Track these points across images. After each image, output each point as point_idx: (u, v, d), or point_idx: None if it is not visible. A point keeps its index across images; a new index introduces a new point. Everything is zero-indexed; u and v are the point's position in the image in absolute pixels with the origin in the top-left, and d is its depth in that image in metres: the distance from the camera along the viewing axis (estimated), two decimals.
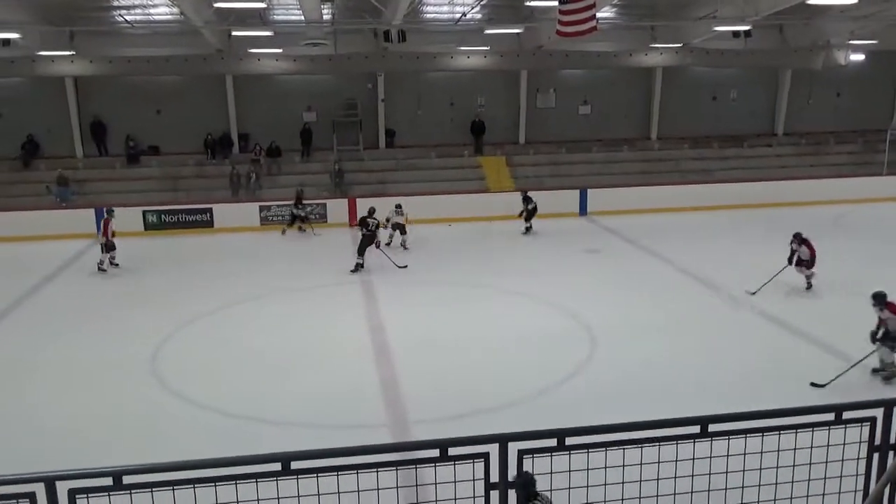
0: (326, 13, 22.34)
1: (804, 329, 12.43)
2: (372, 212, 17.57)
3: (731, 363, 11.08)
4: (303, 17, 21.19)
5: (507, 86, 27.67)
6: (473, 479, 3.67)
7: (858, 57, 27.64)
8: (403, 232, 19.27)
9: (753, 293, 14.40)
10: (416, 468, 3.65)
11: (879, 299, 10.03)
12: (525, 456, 3.66)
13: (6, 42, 19.78)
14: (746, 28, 22.08)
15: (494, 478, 3.69)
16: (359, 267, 16.81)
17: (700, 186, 24.68)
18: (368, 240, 16.96)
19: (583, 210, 23.63)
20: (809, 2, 18.59)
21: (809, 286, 14.77)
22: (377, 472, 3.56)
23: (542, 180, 25.14)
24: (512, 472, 3.69)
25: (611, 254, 18.84)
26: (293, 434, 8.86)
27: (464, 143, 27.13)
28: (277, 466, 3.53)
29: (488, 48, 25.31)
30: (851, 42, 25.81)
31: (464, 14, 21.60)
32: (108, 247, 17.23)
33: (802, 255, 14.65)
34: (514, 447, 3.65)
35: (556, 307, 14.05)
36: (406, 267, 17.15)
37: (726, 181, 25.12)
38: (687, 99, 28.71)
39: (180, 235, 21.67)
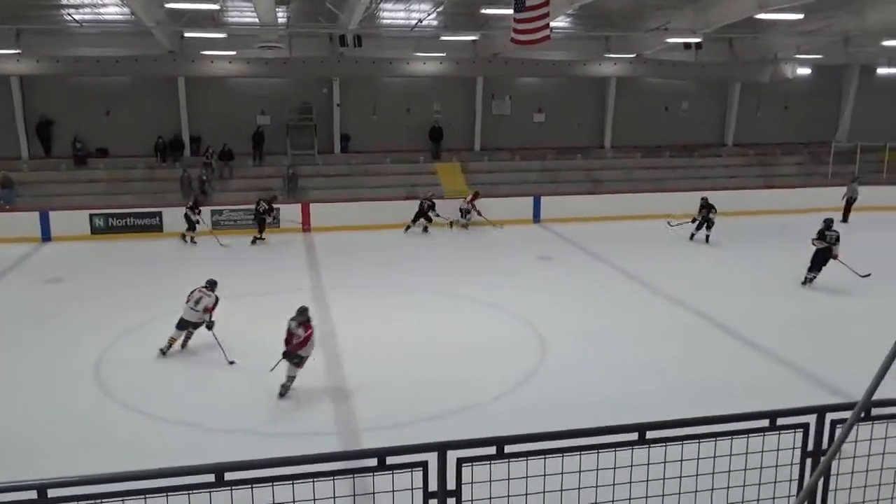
0: (281, 16, 22.19)
1: (749, 337, 12.68)
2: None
3: (677, 370, 11.28)
4: (257, 20, 20.98)
5: (463, 92, 27.79)
6: (412, 489, 3.63)
7: (805, 71, 28.45)
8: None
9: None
10: (353, 478, 3.60)
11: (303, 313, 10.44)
12: (464, 464, 3.63)
13: None
14: (697, 40, 22.55)
15: (433, 486, 3.66)
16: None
17: (652, 195, 25.05)
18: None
19: (536, 217, 23.80)
20: (757, 16, 19.11)
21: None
22: (314, 482, 3.50)
23: (496, 187, 25.28)
24: (451, 482, 3.67)
25: (564, 261, 19.00)
26: (237, 443, 8.72)
27: (420, 149, 27.14)
28: (211, 478, 3.44)
29: (444, 55, 25.41)
30: (798, 56, 26.57)
31: (420, 21, 21.63)
32: None
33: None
34: (453, 456, 3.62)
35: (508, 314, 14.11)
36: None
37: (677, 190, 25.53)
38: (640, 109, 29.16)
39: (129, 240, 21.18)
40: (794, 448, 4.07)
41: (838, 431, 4.11)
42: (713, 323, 13.54)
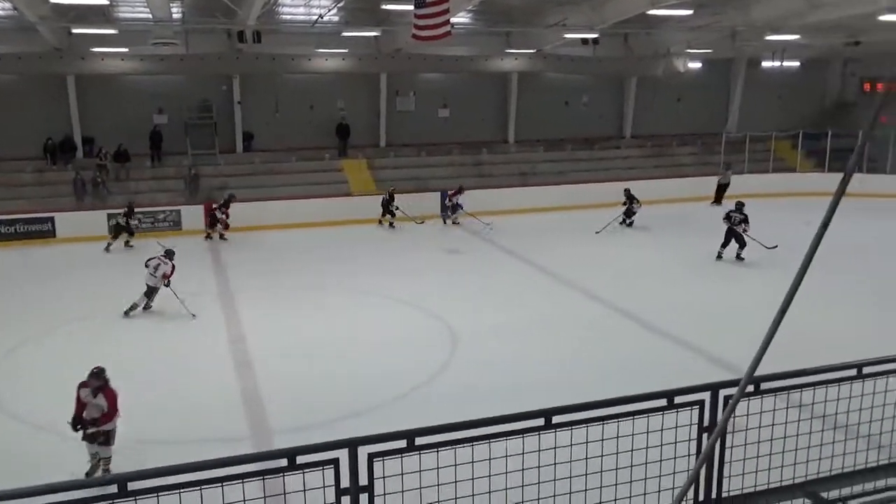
0: (176, 12, 21.49)
1: (652, 322, 13.16)
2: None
3: (583, 357, 11.60)
4: (150, 16, 20.26)
5: (367, 89, 27.60)
6: (324, 487, 3.63)
7: (695, 65, 29.64)
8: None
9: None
10: (263, 479, 3.56)
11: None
12: (375, 459, 3.65)
13: None
14: (594, 36, 23.15)
15: (346, 483, 3.66)
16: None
17: (555, 188, 25.64)
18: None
19: (444, 212, 23.93)
20: (650, 12, 19.80)
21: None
22: (222, 486, 3.45)
23: (403, 183, 25.28)
24: (363, 477, 3.68)
25: (471, 255, 19.22)
26: (148, 453, 8.42)
27: (325, 147, 26.82)
28: (114, 489, 3.34)
29: (346, 51, 25.20)
30: (689, 51, 27.66)
31: (321, 16, 21.36)
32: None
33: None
34: (364, 451, 3.64)
35: (418, 309, 14.17)
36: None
37: (579, 182, 26.22)
38: (541, 103, 29.70)
39: (19, 247, 20.11)
40: (691, 424, 4.28)
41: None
42: (617, 310, 13.98)
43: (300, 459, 3.58)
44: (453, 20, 18.06)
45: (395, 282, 16.14)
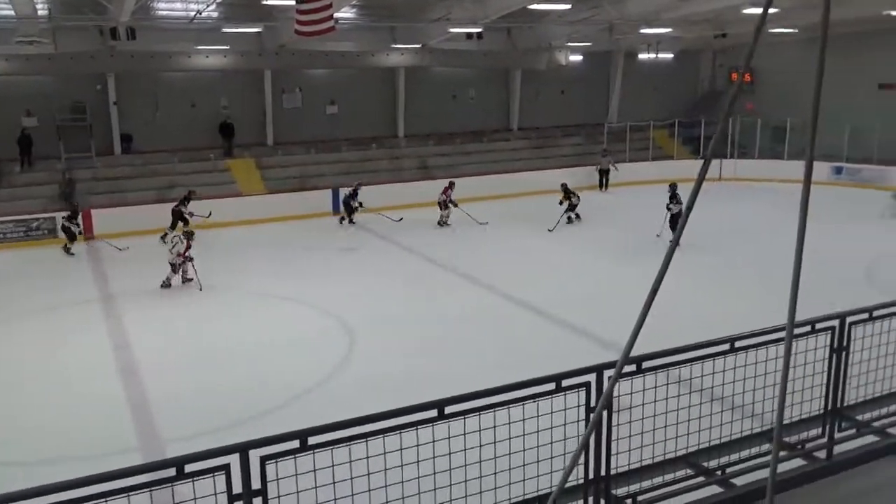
0: (42, 8, 20.32)
1: (547, 310, 13.51)
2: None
3: (478, 348, 11.78)
4: (13, 13, 19.07)
5: (252, 86, 26.93)
6: (215, 494, 3.55)
7: (577, 58, 30.55)
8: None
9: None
10: (150, 491, 3.44)
11: None
12: (268, 462, 3.60)
13: None
14: (478, 30, 23.53)
15: (238, 489, 3.59)
16: None
17: (447, 181, 25.80)
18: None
19: (336, 209, 23.74)
20: (530, 7, 20.28)
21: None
22: (107, 501, 3.32)
23: (293, 181, 24.89)
24: (256, 481, 3.62)
25: (367, 251, 19.17)
26: (31, 475, 7.97)
27: (210, 147, 26.02)
28: None
29: (228, 47, 24.52)
30: (570, 44, 28.50)
31: (199, 12, 20.73)
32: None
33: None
34: (256, 454, 3.58)
35: (313, 308, 14.02)
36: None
37: (470, 175, 26.53)
38: (430, 97, 29.86)
39: None
40: (578, 406, 4.43)
41: (617, 387, 4.55)
42: (511, 299, 14.26)
43: (189, 468, 3.49)
44: (337, 15, 17.94)
45: (289, 282, 15.89)
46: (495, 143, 30.29)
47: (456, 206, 21.72)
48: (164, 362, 11.42)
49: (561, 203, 21.31)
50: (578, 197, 21.70)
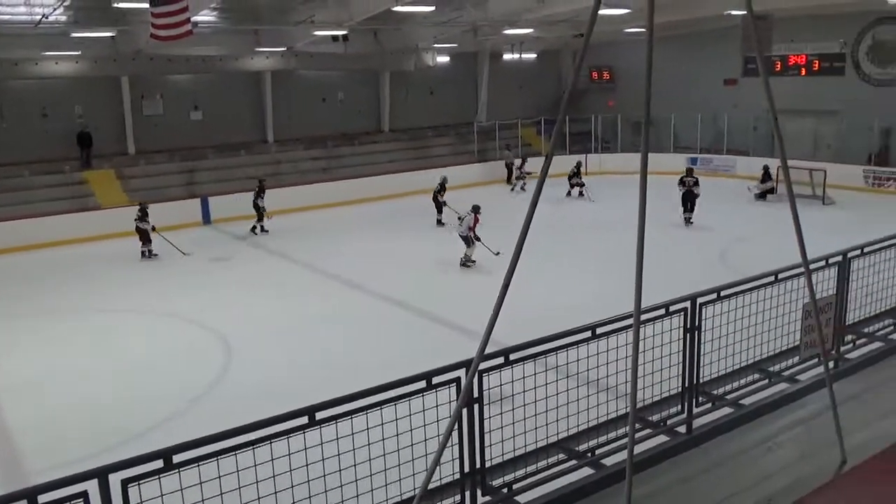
0: None
1: (422, 308, 13.61)
2: None
3: (350, 350, 11.76)
4: None
5: (109, 93, 25.57)
6: None
7: (444, 59, 30.95)
8: None
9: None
10: None
11: None
12: (129, 485, 3.44)
13: None
14: (343, 33, 23.37)
15: None
16: None
17: (319, 185, 25.58)
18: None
19: (206, 218, 23.00)
20: (394, 9, 20.35)
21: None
22: None
23: (160, 192, 23.86)
24: None
25: (239, 260, 18.67)
26: None
27: (65, 158, 24.54)
28: None
29: (80, 53, 23.23)
30: (436, 46, 28.81)
31: (44, 16, 19.48)
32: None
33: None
34: (116, 478, 3.41)
35: (186, 321, 13.54)
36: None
37: (343, 178, 26.36)
38: (298, 101, 29.41)
39: None
40: (450, 402, 4.49)
41: (485, 380, 4.65)
42: (389, 300, 14.28)
43: (43, 498, 3.29)
44: (197, 19, 17.40)
45: (158, 295, 15.28)
46: (367, 145, 30.22)
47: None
48: (26, 389, 10.75)
49: (570, 179, 25.07)
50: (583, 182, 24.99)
